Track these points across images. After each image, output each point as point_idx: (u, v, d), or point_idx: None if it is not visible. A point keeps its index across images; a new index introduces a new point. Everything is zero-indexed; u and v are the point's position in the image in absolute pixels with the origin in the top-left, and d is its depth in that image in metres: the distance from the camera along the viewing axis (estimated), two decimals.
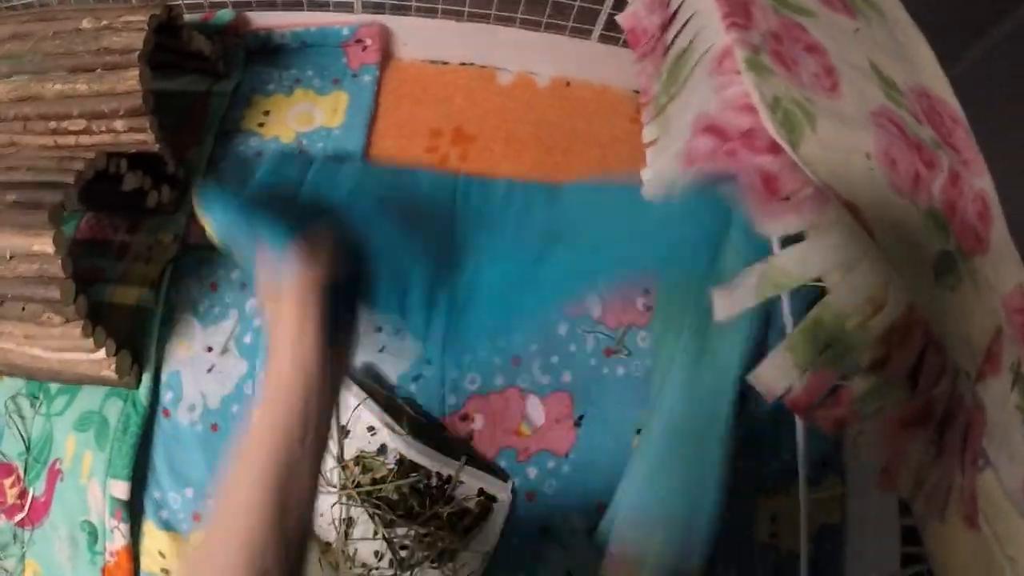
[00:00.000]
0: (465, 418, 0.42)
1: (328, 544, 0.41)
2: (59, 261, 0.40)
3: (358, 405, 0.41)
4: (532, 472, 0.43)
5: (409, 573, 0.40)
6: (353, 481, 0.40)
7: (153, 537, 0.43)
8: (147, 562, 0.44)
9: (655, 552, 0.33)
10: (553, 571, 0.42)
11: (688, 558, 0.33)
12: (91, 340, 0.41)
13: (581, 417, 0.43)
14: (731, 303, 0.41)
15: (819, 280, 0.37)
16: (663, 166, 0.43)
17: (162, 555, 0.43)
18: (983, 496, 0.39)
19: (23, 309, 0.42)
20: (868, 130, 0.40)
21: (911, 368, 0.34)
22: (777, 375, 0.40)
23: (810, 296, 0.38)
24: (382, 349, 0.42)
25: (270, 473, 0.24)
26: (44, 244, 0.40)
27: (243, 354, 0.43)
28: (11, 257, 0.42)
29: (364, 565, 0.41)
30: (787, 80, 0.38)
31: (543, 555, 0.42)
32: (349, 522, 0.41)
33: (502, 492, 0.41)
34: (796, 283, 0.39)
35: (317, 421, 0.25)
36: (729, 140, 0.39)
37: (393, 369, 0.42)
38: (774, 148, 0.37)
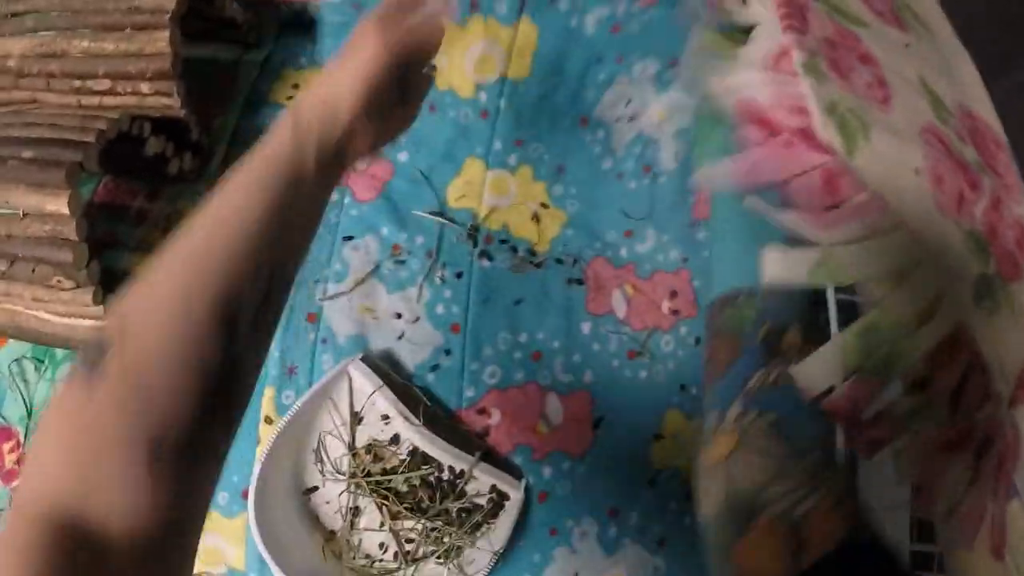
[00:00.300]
0: (482, 412, 0.41)
1: (332, 532, 0.40)
2: (73, 223, 0.38)
3: (374, 392, 0.39)
4: (547, 471, 0.41)
5: (413, 568, 0.39)
6: (363, 470, 0.39)
7: None
8: None
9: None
10: (560, 573, 0.41)
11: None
12: (101, 307, 0.40)
13: (600, 419, 0.42)
14: (782, 269, 0.40)
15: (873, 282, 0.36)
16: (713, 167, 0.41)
17: None
18: (1010, 527, 0.38)
19: (33, 271, 0.41)
20: (917, 146, 0.39)
21: (954, 389, 0.33)
22: (822, 373, 0.38)
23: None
24: (400, 336, 0.41)
25: (282, 182, 0.22)
26: (59, 204, 0.38)
27: None
28: (24, 215, 0.41)
29: (368, 556, 0.40)
30: (842, 88, 0.37)
31: (552, 557, 0.41)
32: (356, 511, 0.40)
33: (515, 490, 0.40)
34: (849, 280, 0.38)
35: (329, 170, 0.24)
36: (779, 133, 0.38)
37: (411, 358, 0.41)
38: (830, 149, 0.37)
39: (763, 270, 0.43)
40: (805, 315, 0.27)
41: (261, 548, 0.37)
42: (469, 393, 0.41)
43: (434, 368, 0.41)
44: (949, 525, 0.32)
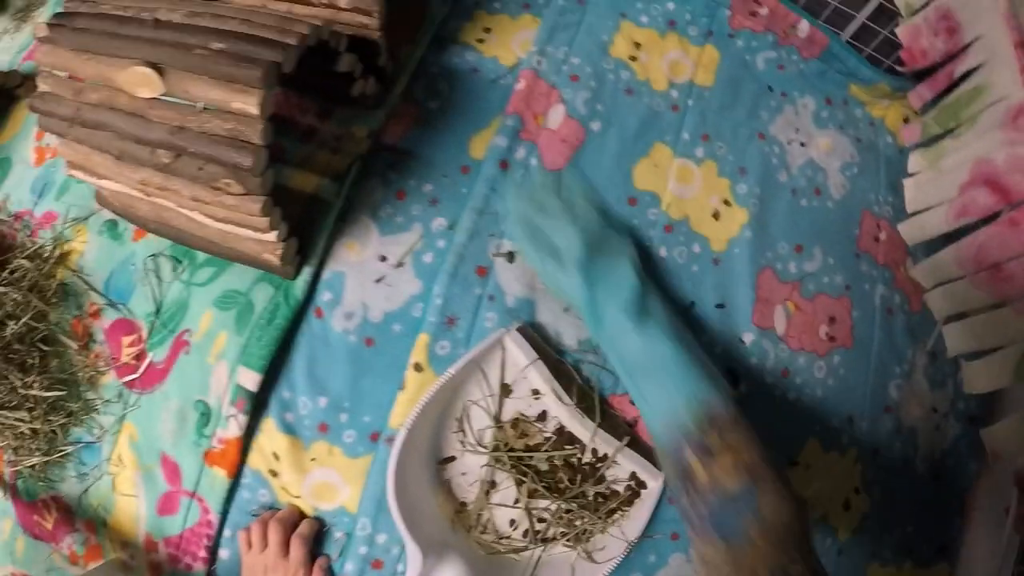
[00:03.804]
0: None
1: (463, 504, 0.39)
2: (260, 126, 0.36)
3: (527, 365, 0.38)
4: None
5: (542, 548, 0.38)
6: (506, 444, 0.38)
7: (271, 437, 0.41)
8: (256, 459, 0.42)
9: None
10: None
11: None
12: (267, 219, 0.39)
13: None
14: (986, 380, 0.39)
15: None
16: (928, 215, 0.40)
17: (276, 457, 0.41)
18: None
19: (200, 169, 0.39)
20: None
21: None
22: (1009, 441, 0.37)
23: None
24: (567, 309, 0.40)
25: None
26: (248, 103, 0.36)
27: (419, 273, 0.40)
28: (204, 109, 0.39)
29: (497, 532, 0.38)
30: None
31: (667, 561, 0.40)
32: (491, 485, 0.38)
33: (654, 480, 0.38)
34: None
35: None
36: (1011, 201, 0.36)
37: (575, 332, 0.40)
38: None
39: (966, 387, 0.43)
40: (693, 439, 0.31)
41: (395, 512, 0.36)
42: None
43: (596, 348, 0.40)
44: None
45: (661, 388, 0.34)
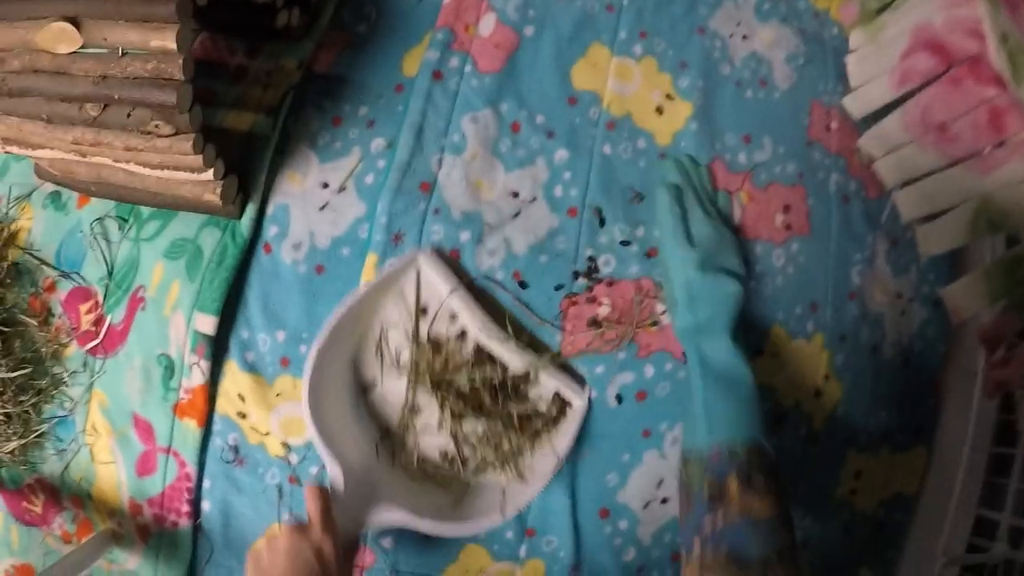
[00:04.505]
0: (593, 300, 0.40)
1: (388, 430, 0.39)
2: (180, 61, 0.36)
3: (447, 289, 0.37)
4: (649, 371, 0.40)
5: (470, 472, 0.38)
6: (425, 366, 0.38)
7: (234, 378, 0.41)
8: (223, 404, 0.41)
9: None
10: (647, 476, 0.40)
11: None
12: (200, 157, 0.38)
13: None
14: (938, 239, 0.39)
15: None
16: (871, 86, 0.39)
17: (241, 398, 0.41)
18: None
19: (128, 115, 0.39)
20: None
21: None
22: (968, 298, 0.37)
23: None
24: (517, 215, 0.39)
25: None
26: (166, 39, 0.35)
27: (362, 195, 0.40)
28: (123, 54, 0.38)
29: (423, 458, 0.38)
30: (1013, 22, 0.35)
31: (641, 459, 0.40)
32: (414, 410, 0.38)
33: (578, 399, 0.38)
34: (1011, 226, 0.36)
35: None
36: (952, 63, 0.36)
37: (525, 238, 0.39)
38: (1000, 82, 0.34)
39: (921, 248, 0.43)
40: (742, 467, 0.33)
41: (315, 437, 0.36)
42: (581, 280, 0.40)
43: (548, 250, 0.40)
44: None
45: (727, 406, 0.35)
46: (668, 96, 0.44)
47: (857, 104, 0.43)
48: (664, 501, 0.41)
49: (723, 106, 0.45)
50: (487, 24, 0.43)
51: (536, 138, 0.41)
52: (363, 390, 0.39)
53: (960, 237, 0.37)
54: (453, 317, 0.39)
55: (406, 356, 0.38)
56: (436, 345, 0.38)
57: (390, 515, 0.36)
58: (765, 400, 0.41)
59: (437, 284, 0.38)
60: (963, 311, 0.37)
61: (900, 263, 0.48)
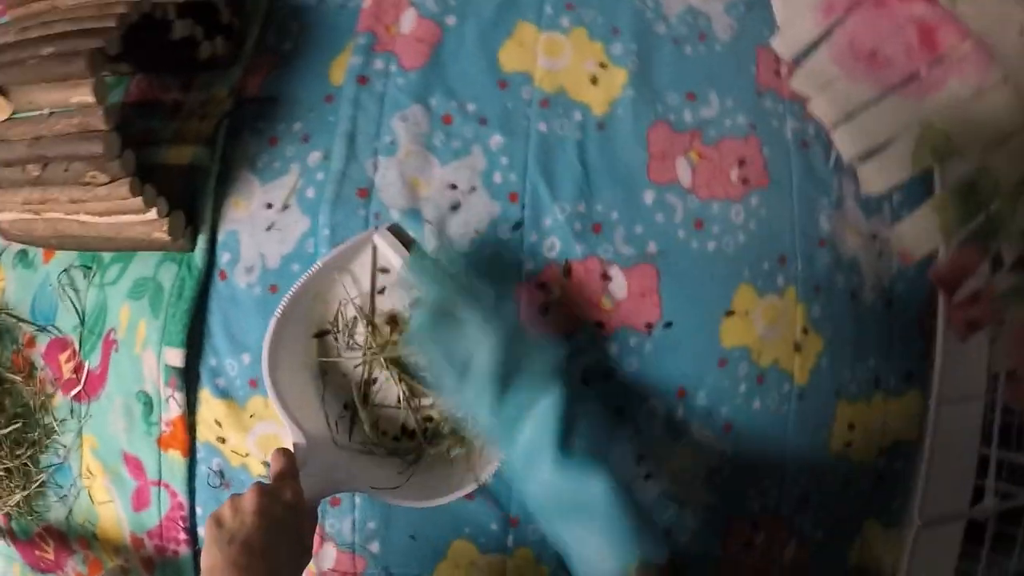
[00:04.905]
0: (543, 286, 0.39)
1: (346, 407, 0.39)
2: (100, 112, 0.37)
3: (400, 264, 0.37)
4: (613, 348, 0.39)
5: (428, 447, 0.38)
6: (381, 342, 0.38)
7: (209, 406, 0.41)
8: (203, 431, 0.42)
9: None
10: (623, 454, 0.40)
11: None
12: (140, 199, 0.39)
13: (667, 293, 0.40)
14: (882, 176, 0.37)
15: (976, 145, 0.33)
16: (797, 24, 0.37)
17: (218, 424, 0.42)
18: None
19: (66, 170, 0.40)
20: (1020, 3, 0.34)
21: None
22: (920, 235, 0.35)
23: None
24: (456, 207, 0.39)
25: None
26: (83, 94, 0.37)
27: (305, 210, 0.40)
28: (50, 114, 0.39)
29: (384, 433, 0.38)
30: None
31: (615, 436, 0.39)
32: (370, 385, 0.38)
33: None
34: (954, 152, 0.34)
35: None
36: None
37: (466, 229, 0.39)
38: None
39: (863, 188, 0.40)
40: None
41: (276, 406, 0.36)
42: (529, 267, 0.39)
43: (492, 240, 0.39)
44: None
45: (587, 533, 0.30)
46: (602, 65, 0.42)
47: (786, 44, 0.41)
48: (647, 477, 0.40)
49: (662, 66, 0.43)
50: (408, 20, 0.42)
51: (469, 127, 0.41)
52: (324, 367, 0.40)
53: (903, 171, 0.34)
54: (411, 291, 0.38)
55: (362, 334, 0.38)
56: (392, 320, 0.39)
57: (350, 485, 0.36)
58: (737, 366, 0.39)
59: (393, 260, 0.38)
60: (915, 251, 0.35)
61: (871, 203, 0.46)
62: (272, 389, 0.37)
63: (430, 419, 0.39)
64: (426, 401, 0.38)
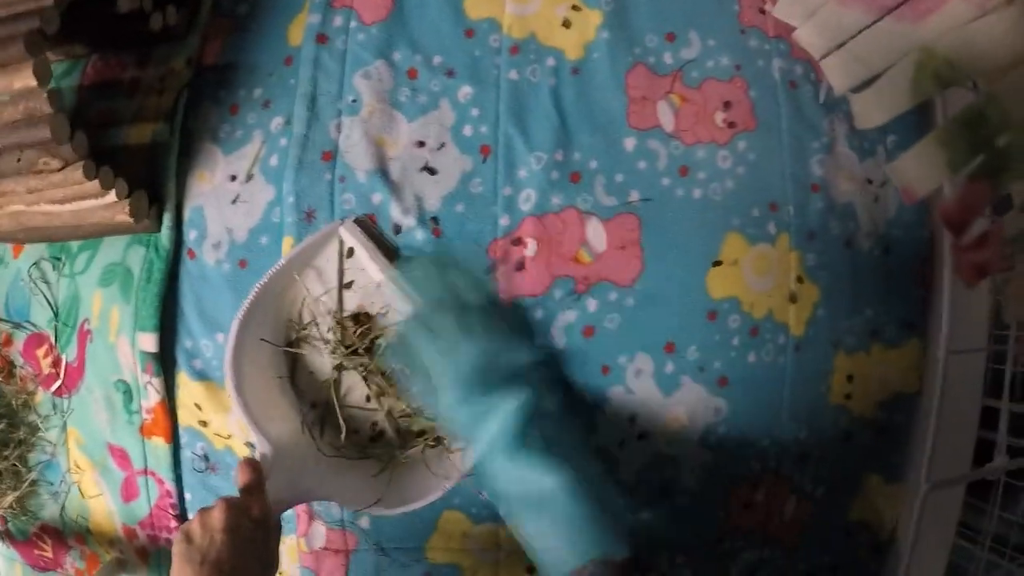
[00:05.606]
0: (518, 242, 0.37)
1: (313, 406, 0.38)
2: (44, 95, 0.35)
3: (372, 264, 0.35)
4: (592, 304, 0.38)
5: (396, 447, 0.36)
6: (348, 343, 0.36)
7: (188, 389, 0.40)
8: (184, 416, 0.41)
9: None
10: (615, 414, 0.38)
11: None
12: (96, 182, 0.37)
13: (648, 244, 0.38)
14: (877, 106, 0.34)
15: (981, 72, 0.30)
16: None
17: (198, 407, 0.41)
18: None
19: (19, 160, 0.38)
20: None
21: None
22: (923, 170, 0.32)
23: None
24: (424, 167, 0.37)
25: None
26: (26, 78, 0.35)
27: (269, 179, 0.38)
28: None
29: (354, 432, 0.37)
30: None
31: (604, 396, 0.38)
32: (339, 385, 0.37)
33: None
34: (957, 79, 0.31)
35: None
36: None
37: (437, 189, 0.37)
38: None
39: (857, 122, 0.37)
40: None
41: (240, 413, 0.35)
42: (504, 222, 0.37)
43: (464, 196, 0.37)
44: None
45: (547, 527, 0.31)
46: (574, 7, 0.40)
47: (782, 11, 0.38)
48: (641, 437, 0.39)
49: (639, 6, 0.41)
50: None
51: (436, 80, 0.39)
52: (291, 366, 0.38)
53: (903, 101, 0.31)
54: (379, 286, 0.37)
55: (329, 330, 0.37)
56: (357, 318, 0.37)
57: (318, 492, 0.35)
58: (728, 318, 0.38)
59: (360, 255, 0.36)
60: (918, 188, 0.32)
61: (864, 145, 0.44)
62: (238, 398, 0.35)
63: (400, 418, 0.37)
64: (396, 401, 0.37)
